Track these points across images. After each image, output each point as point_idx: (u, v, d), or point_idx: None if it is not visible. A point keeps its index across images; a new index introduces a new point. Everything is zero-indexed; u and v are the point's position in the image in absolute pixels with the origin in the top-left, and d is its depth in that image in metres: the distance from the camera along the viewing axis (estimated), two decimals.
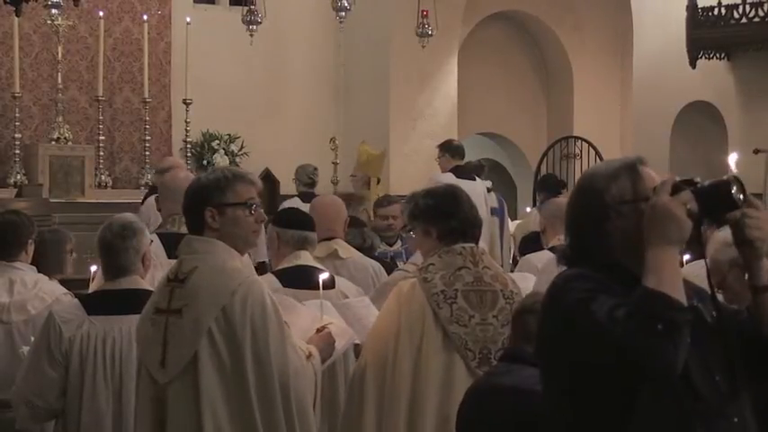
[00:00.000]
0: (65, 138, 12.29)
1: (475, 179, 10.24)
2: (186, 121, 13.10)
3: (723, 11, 12.73)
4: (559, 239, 6.28)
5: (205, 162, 13.47)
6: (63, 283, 5.89)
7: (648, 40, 13.95)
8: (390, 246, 8.01)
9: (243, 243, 3.92)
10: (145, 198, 9.13)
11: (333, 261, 5.78)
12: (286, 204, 8.85)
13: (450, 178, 9.46)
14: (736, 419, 2.69)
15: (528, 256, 6.99)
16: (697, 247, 2.76)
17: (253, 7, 12.27)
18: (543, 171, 14.77)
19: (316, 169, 10.54)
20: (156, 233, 5.48)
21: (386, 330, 4.27)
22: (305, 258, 5.13)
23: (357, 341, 4.63)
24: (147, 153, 12.98)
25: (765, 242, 2.72)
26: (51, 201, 11.53)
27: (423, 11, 12.85)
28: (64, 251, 6.16)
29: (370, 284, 5.77)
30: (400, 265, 6.36)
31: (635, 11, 14.17)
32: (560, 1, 15.92)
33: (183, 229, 4.09)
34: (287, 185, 11.68)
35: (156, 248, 5.18)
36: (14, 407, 4.67)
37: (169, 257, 5.10)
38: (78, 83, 12.87)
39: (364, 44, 14.31)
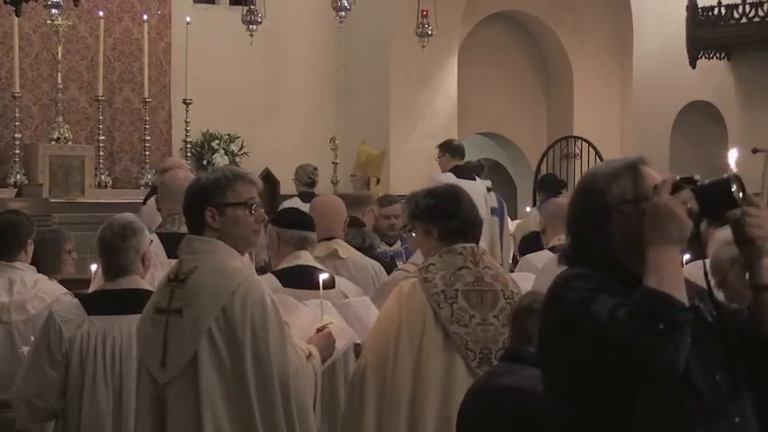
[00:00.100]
0: (65, 138, 12.29)
1: (475, 179, 10.24)
2: (186, 121, 13.10)
3: (723, 11, 12.72)
4: (559, 239, 6.28)
5: (205, 162, 13.47)
6: (63, 282, 5.89)
7: (648, 40, 13.94)
8: (390, 245, 8.01)
9: (243, 243, 3.92)
10: (146, 198, 9.12)
11: (333, 261, 5.78)
12: (286, 204, 8.85)
13: (450, 178, 9.46)
14: (736, 419, 2.69)
15: (528, 255, 6.99)
16: (697, 246, 2.76)
17: (253, 7, 12.27)
18: (543, 171, 14.76)
19: (315, 169, 10.54)
20: (156, 233, 5.48)
21: (386, 330, 4.26)
22: (305, 258, 5.13)
23: (357, 341, 4.63)
24: (147, 153, 12.98)
25: (766, 240, 2.71)
26: (51, 201, 11.53)
27: (423, 11, 12.85)
28: (62, 251, 6.16)
29: (370, 284, 5.77)
30: (400, 264, 6.36)
31: (635, 11, 14.16)
32: (560, 1, 15.92)
33: (183, 229, 4.09)
34: (287, 185, 11.68)
35: (155, 248, 5.18)
36: (14, 407, 4.67)
37: (169, 257, 5.10)
38: (78, 83, 12.87)
39: (364, 44, 14.31)
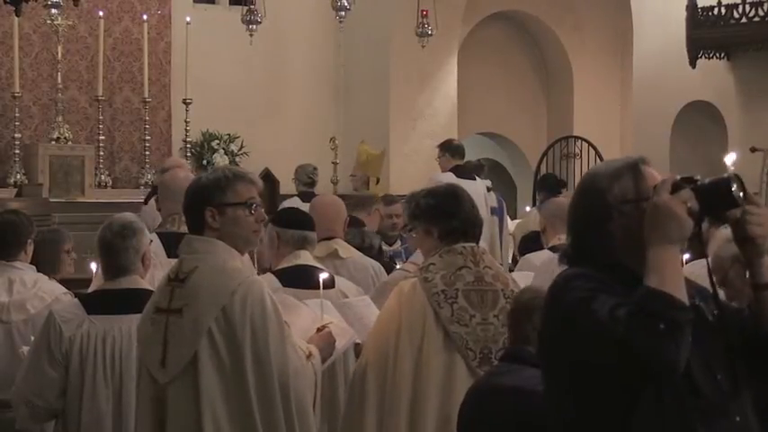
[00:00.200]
0: (65, 137, 12.29)
1: (475, 179, 10.24)
2: (186, 121, 13.10)
3: (723, 11, 12.72)
4: (559, 239, 6.28)
5: (205, 162, 13.47)
6: (63, 282, 5.89)
7: (648, 40, 13.94)
8: (390, 245, 8.01)
9: (243, 243, 3.92)
10: (147, 198, 9.11)
11: (333, 261, 5.78)
12: (286, 204, 8.85)
13: (450, 178, 9.46)
14: (737, 418, 2.69)
15: (528, 255, 6.99)
16: (697, 245, 2.76)
17: (253, 7, 12.27)
18: (543, 171, 14.76)
19: (315, 169, 10.55)
20: (156, 232, 5.48)
21: (386, 330, 4.26)
22: (305, 258, 5.13)
23: (358, 340, 4.63)
24: (147, 153, 12.99)
25: (766, 239, 2.71)
26: (51, 200, 11.53)
27: (423, 11, 12.85)
28: (61, 251, 6.17)
29: (370, 284, 5.77)
30: (399, 264, 6.36)
31: (635, 11, 14.16)
32: (560, 1, 15.92)
33: (183, 229, 4.09)
34: (287, 185, 11.68)
35: (155, 248, 5.18)
36: (14, 407, 4.66)
37: (169, 257, 5.10)
38: (78, 83, 12.87)
39: (364, 44, 14.30)
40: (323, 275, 4.58)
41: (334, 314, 4.50)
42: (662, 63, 13.51)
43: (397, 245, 8.11)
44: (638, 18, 14.16)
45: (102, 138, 12.68)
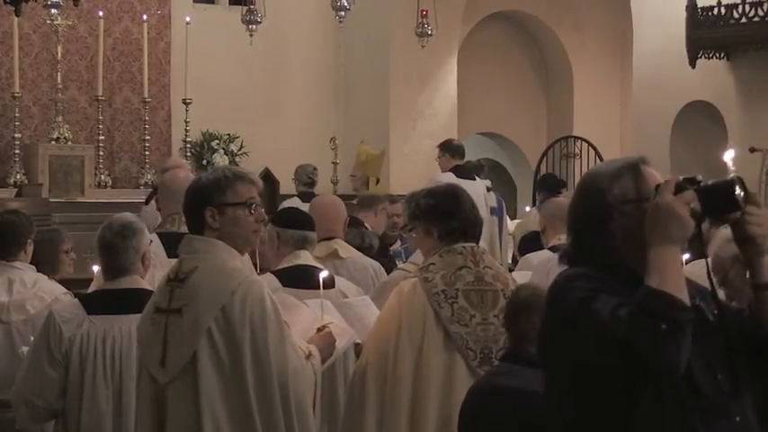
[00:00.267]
0: (64, 137, 12.29)
1: (475, 179, 10.24)
2: (186, 121, 13.09)
3: (723, 11, 12.72)
4: (559, 239, 6.28)
5: (205, 162, 13.47)
6: (63, 282, 5.89)
7: (648, 40, 13.94)
8: (390, 245, 8.01)
9: (243, 243, 3.92)
10: (148, 198, 9.10)
11: (333, 261, 5.78)
12: (285, 204, 8.85)
13: (450, 178, 9.46)
14: (738, 418, 2.69)
15: (528, 255, 7.00)
16: (698, 245, 2.76)
17: (252, 7, 12.26)
18: (543, 171, 14.76)
19: (315, 169, 10.55)
20: (156, 232, 5.48)
21: (387, 330, 4.26)
22: (305, 258, 5.13)
23: (358, 341, 4.62)
24: (147, 153, 12.98)
25: (766, 239, 2.71)
26: (51, 200, 11.53)
27: (422, 11, 12.85)
28: (60, 251, 6.17)
29: (370, 284, 5.77)
30: (400, 264, 6.36)
31: (635, 11, 14.16)
32: (560, 1, 15.92)
33: (183, 229, 4.09)
34: (287, 185, 11.68)
35: (155, 248, 5.17)
36: (14, 407, 4.66)
37: (169, 257, 5.10)
38: (78, 83, 12.87)
39: (364, 44, 14.30)
40: (323, 275, 4.58)
41: (334, 314, 4.49)
42: (662, 63, 13.51)
43: (397, 245, 8.11)
44: (638, 18, 14.16)
45: (102, 138, 12.67)
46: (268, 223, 4.88)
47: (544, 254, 6.58)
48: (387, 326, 4.28)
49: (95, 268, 5.30)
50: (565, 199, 7.24)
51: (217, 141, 13.74)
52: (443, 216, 4.38)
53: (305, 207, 6.40)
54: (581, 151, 15.46)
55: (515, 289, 3.88)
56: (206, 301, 3.76)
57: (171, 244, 4.86)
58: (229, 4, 14.24)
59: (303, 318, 4.27)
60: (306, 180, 10.39)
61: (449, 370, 4.18)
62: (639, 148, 13.28)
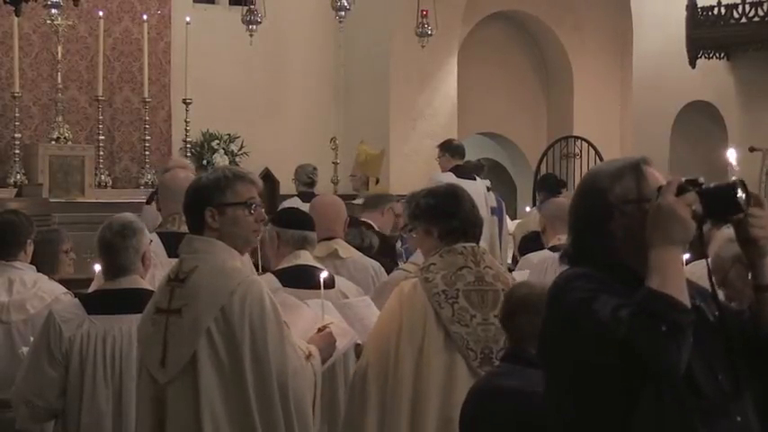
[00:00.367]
0: (65, 137, 12.29)
1: (475, 179, 10.24)
2: (186, 121, 13.09)
3: (723, 10, 12.71)
4: (559, 239, 6.29)
5: (205, 162, 13.47)
6: (63, 282, 5.89)
7: (648, 40, 13.93)
8: (394, 245, 8.00)
9: (243, 243, 3.92)
10: (150, 198, 9.09)
11: (333, 261, 5.78)
12: (285, 204, 8.86)
13: (450, 178, 9.46)
14: (738, 418, 2.69)
15: (528, 255, 7.00)
16: (698, 246, 2.76)
17: (253, 7, 12.26)
18: (543, 171, 14.76)
19: (315, 169, 10.56)
20: (157, 232, 5.48)
21: (387, 330, 4.26)
22: (305, 258, 5.13)
23: (358, 341, 4.62)
24: (147, 153, 12.98)
25: None
26: (51, 200, 11.53)
27: (423, 11, 12.85)
28: (59, 251, 6.16)
29: (370, 284, 5.77)
30: (400, 264, 6.36)
31: (635, 11, 14.16)
32: (560, 1, 15.92)
33: (184, 229, 4.09)
34: (287, 185, 11.68)
35: (156, 247, 5.17)
36: (14, 407, 4.66)
37: (169, 256, 5.10)
38: (78, 83, 12.86)
39: (364, 44, 14.30)
40: (323, 275, 4.58)
41: (334, 314, 4.49)
42: (662, 63, 13.51)
43: (398, 245, 8.11)
44: (638, 18, 14.15)
45: (102, 138, 12.67)
46: (268, 223, 4.89)
47: (544, 254, 6.59)
48: (387, 326, 4.27)
49: (97, 267, 5.30)
50: (565, 199, 7.24)
51: (217, 141, 13.74)
52: (444, 216, 4.38)
53: (305, 207, 6.40)
54: (581, 151, 15.46)
55: (511, 288, 3.87)
56: (205, 302, 3.76)
57: (171, 244, 4.86)
58: (229, 4, 14.24)
59: (304, 318, 4.27)
60: (306, 180, 10.39)
61: (449, 370, 4.18)
62: (639, 148, 13.28)
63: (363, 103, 14.37)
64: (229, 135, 13.80)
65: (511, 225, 11.45)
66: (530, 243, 7.61)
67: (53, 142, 12.24)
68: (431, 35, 12.82)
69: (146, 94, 12.84)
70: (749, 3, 12.52)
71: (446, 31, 13.59)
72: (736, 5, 12.60)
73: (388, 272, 5.89)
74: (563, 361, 2.70)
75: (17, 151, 12.12)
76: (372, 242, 7.06)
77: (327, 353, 4.20)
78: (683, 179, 2.69)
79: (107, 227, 4.62)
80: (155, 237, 5.28)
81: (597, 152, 14.97)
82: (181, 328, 3.77)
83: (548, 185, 11.07)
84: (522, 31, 16.44)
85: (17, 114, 12.13)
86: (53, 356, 4.51)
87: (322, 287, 4.39)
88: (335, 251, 5.87)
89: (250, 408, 3.72)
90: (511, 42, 16.39)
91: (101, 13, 12.52)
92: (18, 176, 11.99)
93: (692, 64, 13.01)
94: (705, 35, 12.89)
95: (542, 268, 6.47)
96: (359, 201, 11.52)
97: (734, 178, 2.70)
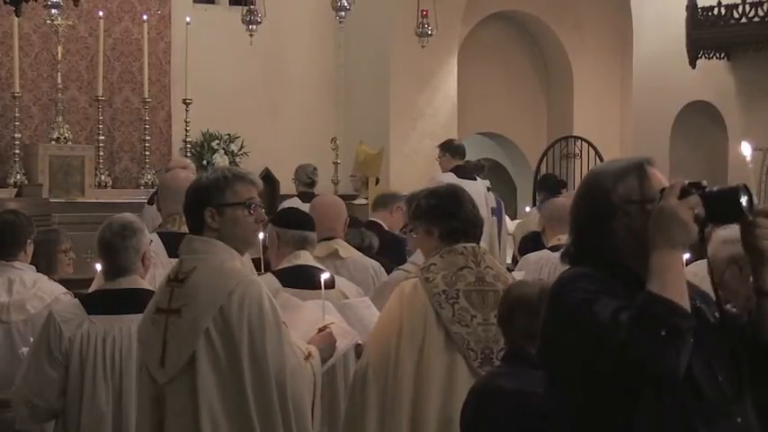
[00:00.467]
0: (65, 138, 12.29)
1: (476, 179, 10.24)
2: (186, 121, 13.09)
3: (723, 11, 12.71)
4: (559, 239, 6.29)
5: (205, 162, 13.47)
6: (63, 282, 5.89)
7: (648, 40, 13.93)
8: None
9: (242, 243, 3.92)
10: (151, 198, 9.09)
11: (333, 261, 5.78)
12: (285, 204, 8.85)
13: (451, 178, 9.46)
14: (739, 419, 2.69)
15: (527, 255, 7.01)
16: (698, 247, 2.76)
17: (252, 7, 12.26)
18: (543, 171, 14.76)
19: (315, 169, 10.55)
20: (157, 232, 5.48)
21: (387, 330, 4.26)
22: (305, 258, 5.13)
23: (359, 341, 4.62)
24: (147, 153, 12.98)
25: None
26: (51, 201, 11.53)
27: (423, 11, 12.84)
28: (58, 251, 6.16)
29: (370, 284, 5.77)
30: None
31: (635, 11, 14.15)
32: (560, 1, 15.91)
33: (184, 229, 4.09)
34: (287, 185, 11.68)
35: (156, 247, 5.18)
36: (14, 407, 4.66)
37: (170, 256, 5.10)
38: (78, 83, 12.86)
39: (364, 44, 14.30)
40: (324, 276, 4.58)
41: (335, 315, 4.49)
42: (662, 63, 13.51)
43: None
44: (638, 18, 14.15)
45: (102, 138, 12.67)
46: (268, 223, 4.89)
47: (541, 253, 6.60)
48: (388, 326, 4.27)
49: (98, 267, 5.31)
50: (565, 199, 7.24)
51: (217, 141, 13.74)
52: (444, 216, 4.38)
53: (305, 207, 6.40)
54: (581, 151, 15.46)
55: (507, 288, 3.87)
56: (204, 302, 3.76)
57: (172, 244, 4.86)
58: (229, 4, 14.23)
59: (306, 318, 4.27)
60: (306, 180, 10.39)
61: (450, 370, 4.18)
62: (639, 148, 13.28)
63: (363, 103, 14.37)
64: (229, 135, 13.80)
65: (511, 225, 11.46)
66: (530, 243, 7.61)
67: (53, 142, 12.24)
68: (431, 35, 12.81)
69: (146, 95, 12.84)
70: (749, 3, 12.52)
71: (446, 31, 13.58)
72: (736, 5, 12.60)
73: (389, 272, 5.89)
74: (563, 361, 2.69)
75: (17, 151, 12.12)
76: (372, 242, 7.06)
77: (327, 353, 4.20)
78: (687, 182, 2.69)
79: (107, 227, 4.62)
80: (155, 237, 5.28)
81: (597, 152, 14.97)
82: (180, 328, 3.77)
83: (548, 186, 11.08)
84: (522, 31, 16.44)
85: (17, 114, 12.14)
86: (53, 356, 4.51)
87: (323, 288, 4.39)
88: (336, 251, 5.87)
89: (248, 407, 3.72)
90: (511, 42, 16.39)
91: (101, 13, 12.52)
92: (18, 176, 11.99)
93: (692, 64, 13.01)
94: (705, 35, 12.88)
95: (537, 267, 6.47)
96: (359, 201, 11.55)
97: (737, 183, 2.71)
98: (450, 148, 10.61)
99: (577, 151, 15.55)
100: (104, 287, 4.69)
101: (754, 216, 2.69)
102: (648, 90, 13.90)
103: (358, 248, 6.29)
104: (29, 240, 5.81)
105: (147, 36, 12.83)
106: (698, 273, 3.04)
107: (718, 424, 2.65)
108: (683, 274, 2.63)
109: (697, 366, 2.63)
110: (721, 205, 2.67)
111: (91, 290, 5.16)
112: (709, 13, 12.83)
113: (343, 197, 7.31)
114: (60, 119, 12.36)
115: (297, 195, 10.18)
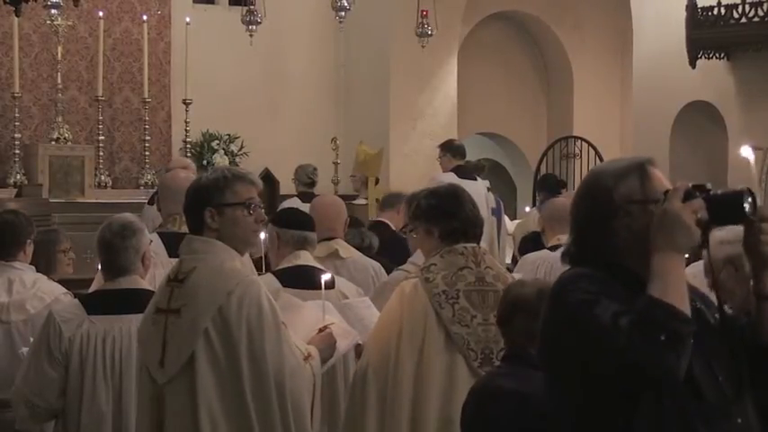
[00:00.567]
0: (64, 138, 12.29)
1: (476, 179, 10.24)
2: (186, 121, 13.09)
3: (723, 11, 12.70)
4: (559, 239, 6.29)
5: (205, 162, 13.47)
6: (63, 282, 5.89)
7: (648, 40, 13.93)
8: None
9: (242, 243, 3.92)
10: (152, 198, 9.08)
11: (333, 261, 5.78)
12: (285, 204, 8.85)
13: (451, 178, 9.46)
14: (739, 420, 2.69)
15: (527, 255, 7.00)
16: (698, 248, 2.76)
17: (252, 7, 12.26)
18: (543, 171, 14.76)
19: (315, 169, 10.55)
20: (157, 232, 5.48)
21: (387, 331, 4.26)
22: (305, 258, 5.12)
23: (359, 341, 4.62)
24: (147, 153, 12.99)
25: None
26: (51, 201, 11.54)
27: (423, 11, 12.84)
28: (57, 251, 6.16)
29: (370, 284, 5.77)
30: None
31: (635, 10, 14.14)
32: (560, 0, 15.91)
33: (184, 229, 4.09)
34: (287, 185, 11.68)
35: (156, 247, 5.18)
36: (14, 407, 4.66)
37: (170, 256, 5.10)
38: (78, 83, 12.87)
39: (364, 44, 14.30)
40: (324, 276, 4.57)
41: (336, 315, 4.49)
42: (662, 63, 13.50)
43: None
44: (638, 18, 14.15)
45: (102, 138, 12.68)
46: (268, 223, 4.88)
47: (540, 253, 6.60)
48: (388, 327, 4.27)
49: (100, 267, 5.31)
50: (565, 199, 7.23)
51: (217, 141, 13.74)
52: (444, 216, 4.37)
53: (305, 207, 6.40)
54: (581, 151, 15.46)
55: (506, 288, 3.87)
56: (203, 302, 3.76)
57: (172, 244, 4.86)
58: (229, 4, 14.23)
59: (306, 319, 4.27)
60: (306, 180, 10.39)
61: (450, 371, 4.18)
62: (639, 148, 13.28)
63: (363, 103, 14.37)
64: (229, 135, 13.80)
65: (511, 225, 11.46)
66: (529, 243, 7.61)
67: (53, 142, 12.24)
68: (431, 35, 12.81)
69: (146, 95, 12.84)
70: (749, 3, 12.51)
71: (446, 31, 13.58)
72: (736, 5, 12.59)
73: (389, 272, 5.89)
74: (563, 362, 2.69)
75: (17, 151, 12.13)
76: (372, 242, 7.07)
77: (327, 354, 4.20)
78: (691, 184, 2.68)
79: (107, 227, 4.62)
80: (155, 237, 5.28)
81: (597, 152, 14.97)
82: (179, 328, 3.77)
83: (548, 186, 11.08)
84: (522, 31, 16.44)
85: (17, 114, 12.14)
86: (53, 356, 4.51)
87: (323, 288, 4.39)
88: (336, 251, 5.87)
89: (247, 407, 3.72)
90: (511, 42, 16.39)
91: (101, 14, 12.52)
92: (18, 177, 12.00)
93: (692, 64, 13.00)
94: (705, 35, 12.87)
95: (534, 267, 6.47)
96: (359, 201, 11.55)
97: (741, 187, 2.71)
98: (450, 149, 10.61)
99: (577, 151, 15.55)
100: (104, 287, 4.69)
101: (759, 221, 2.69)
102: (648, 90, 13.90)
103: (358, 248, 6.29)
104: (29, 240, 5.81)
105: (147, 36, 12.83)
106: (696, 275, 3.04)
107: (718, 424, 2.65)
108: (684, 277, 2.62)
109: (697, 367, 2.63)
110: (725, 209, 2.67)
111: (91, 290, 5.16)
112: (709, 13, 12.83)
113: (343, 197, 7.31)
114: (60, 119, 12.36)
115: (297, 195, 10.18)
